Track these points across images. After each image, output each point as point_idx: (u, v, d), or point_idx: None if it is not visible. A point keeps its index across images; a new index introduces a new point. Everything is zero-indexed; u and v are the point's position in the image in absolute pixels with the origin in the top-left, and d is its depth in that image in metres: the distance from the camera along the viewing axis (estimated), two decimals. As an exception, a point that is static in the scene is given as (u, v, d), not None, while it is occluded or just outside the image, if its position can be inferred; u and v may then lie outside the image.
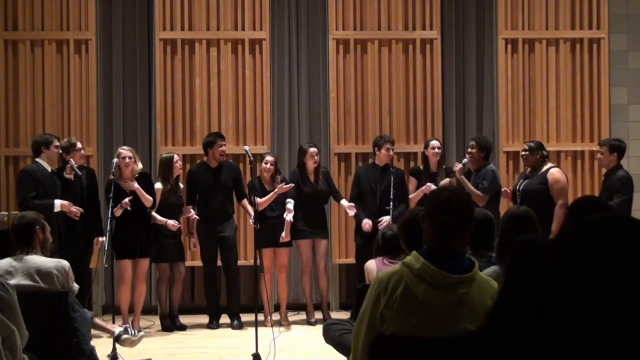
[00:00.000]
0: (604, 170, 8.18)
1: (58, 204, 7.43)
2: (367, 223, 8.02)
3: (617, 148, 7.77)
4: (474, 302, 2.89)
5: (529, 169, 7.90)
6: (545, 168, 7.71)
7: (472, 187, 7.78)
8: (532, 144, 7.85)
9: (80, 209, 7.56)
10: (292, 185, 8.12)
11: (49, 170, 7.60)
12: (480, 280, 2.95)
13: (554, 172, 7.68)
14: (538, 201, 7.31)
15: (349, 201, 8.27)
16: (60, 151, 7.70)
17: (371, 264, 5.11)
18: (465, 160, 8.00)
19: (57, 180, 7.59)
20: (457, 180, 7.91)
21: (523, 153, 7.88)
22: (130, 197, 7.64)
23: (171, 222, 7.91)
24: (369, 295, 2.99)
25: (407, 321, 2.87)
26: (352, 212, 8.14)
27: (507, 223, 4.17)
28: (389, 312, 2.88)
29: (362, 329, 2.98)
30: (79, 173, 7.56)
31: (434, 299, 2.86)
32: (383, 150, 8.23)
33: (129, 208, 7.65)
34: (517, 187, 7.75)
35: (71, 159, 7.63)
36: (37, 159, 7.61)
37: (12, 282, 4.69)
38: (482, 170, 7.89)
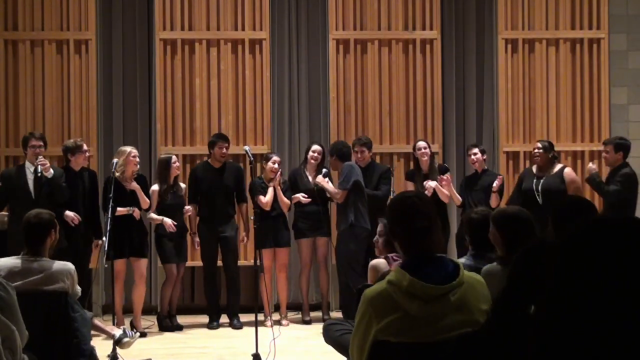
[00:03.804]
0: (605, 171, 8.21)
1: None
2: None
3: (623, 146, 7.86)
4: (467, 302, 2.87)
5: (535, 168, 8.04)
6: (558, 167, 8.04)
7: (331, 188, 8.16)
8: (545, 143, 8.10)
9: (78, 217, 7.57)
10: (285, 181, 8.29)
11: (32, 170, 7.56)
12: (469, 280, 2.92)
13: (569, 172, 8.07)
14: (557, 199, 7.55)
15: None
16: (38, 150, 7.67)
17: (380, 262, 4.89)
18: (325, 169, 8.29)
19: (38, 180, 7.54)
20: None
21: (536, 151, 8.04)
22: (134, 209, 7.75)
23: (168, 223, 7.92)
24: (360, 315, 2.92)
25: (406, 335, 2.83)
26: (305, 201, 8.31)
27: (506, 223, 4.12)
28: (384, 334, 2.83)
29: (355, 343, 2.95)
30: (39, 175, 7.45)
31: (428, 312, 2.82)
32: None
33: (137, 217, 7.75)
34: (534, 187, 7.89)
35: (41, 158, 7.57)
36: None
37: (18, 283, 4.69)
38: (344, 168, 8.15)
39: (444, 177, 8.19)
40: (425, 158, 8.31)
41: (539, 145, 8.06)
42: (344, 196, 8.02)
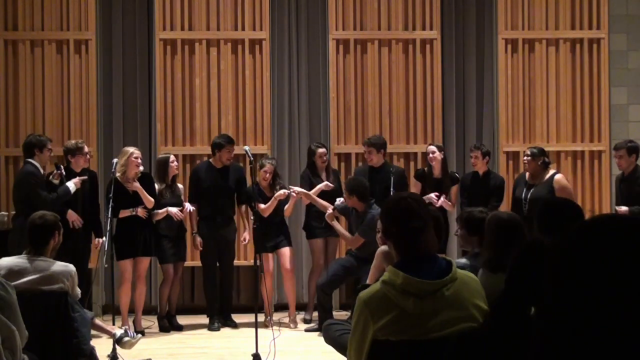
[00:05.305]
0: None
1: (72, 185, 7.45)
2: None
3: (635, 149, 7.91)
4: (461, 297, 2.89)
5: (527, 174, 7.95)
6: (549, 175, 7.84)
7: (343, 232, 7.85)
8: (534, 150, 7.92)
9: (81, 220, 7.59)
10: (287, 192, 8.09)
11: (41, 172, 7.58)
12: (462, 276, 2.95)
13: (559, 179, 7.82)
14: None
15: None
16: (51, 154, 7.67)
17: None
18: (340, 200, 7.92)
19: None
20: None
21: (525, 158, 7.94)
22: (143, 206, 7.71)
23: (173, 211, 7.90)
24: (356, 318, 2.93)
25: (404, 333, 2.85)
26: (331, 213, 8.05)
27: (495, 230, 4.08)
28: (383, 333, 2.85)
29: (353, 346, 2.96)
30: (65, 182, 7.49)
31: (423, 308, 2.84)
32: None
33: (143, 217, 7.70)
34: (523, 196, 7.77)
35: (61, 165, 7.59)
36: (31, 160, 7.51)
37: (18, 282, 4.71)
38: (366, 214, 7.57)
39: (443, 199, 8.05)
40: (435, 162, 8.24)
41: (528, 152, 7.92)
42: (359, 244, 7.62)
